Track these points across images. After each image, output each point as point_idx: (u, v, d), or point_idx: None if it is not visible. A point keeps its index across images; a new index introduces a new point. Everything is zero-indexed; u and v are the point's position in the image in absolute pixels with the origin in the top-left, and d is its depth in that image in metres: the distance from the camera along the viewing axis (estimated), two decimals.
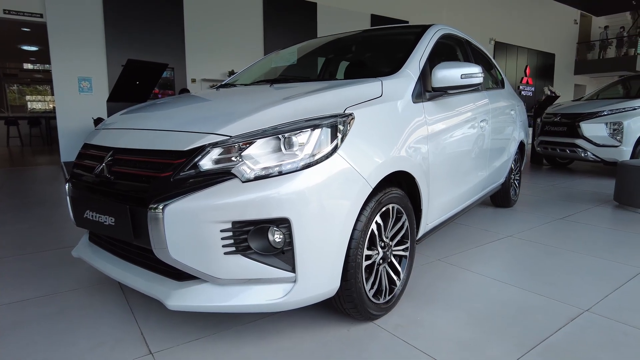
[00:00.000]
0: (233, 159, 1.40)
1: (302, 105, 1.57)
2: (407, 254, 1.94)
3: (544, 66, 16.18)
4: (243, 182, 1.37)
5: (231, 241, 1.38)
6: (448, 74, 2.07)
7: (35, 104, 20.75)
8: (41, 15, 7.17)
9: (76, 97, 7.41)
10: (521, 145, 4.00)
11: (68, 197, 1.87)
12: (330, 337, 1.67)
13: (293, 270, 1.41)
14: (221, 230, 1.36)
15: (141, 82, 2.91)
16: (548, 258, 2.61)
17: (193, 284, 1.46)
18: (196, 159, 1.40)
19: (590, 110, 5.85)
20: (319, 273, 1.46)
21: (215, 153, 1.41)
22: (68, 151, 7.46)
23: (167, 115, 1.72)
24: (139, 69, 2.81)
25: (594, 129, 5.71)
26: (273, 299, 1.41)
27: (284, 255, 1.41)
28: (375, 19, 11.32)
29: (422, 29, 2.47)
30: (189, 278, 1.50)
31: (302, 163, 1.40)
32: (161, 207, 1.37)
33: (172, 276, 1.53)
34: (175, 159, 1.43)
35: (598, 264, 2.51)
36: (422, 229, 2.14)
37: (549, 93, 11.46)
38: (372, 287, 1.72)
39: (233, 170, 1.38)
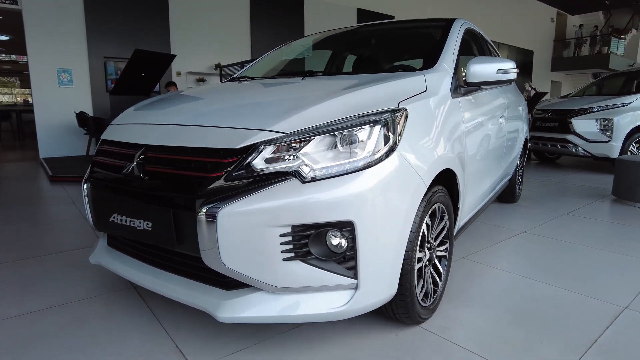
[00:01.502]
0: (288, 157, 1.30)
1: (354, 99, 1.48)
2: (446, 254, 1.89)
3: (524, 63, 16.54)
4: (303, 182, 1.26)
5: (290, 246, 1.28)
6: (483, 68, 2.02)
7: (2, 97, 19.70)
8: (15, 2, 6.74)
9: (55, 89, 7.02)
10: (525, 141, 4.03)
11: (87, 199, 1.72)
12: (381, 343, 1.59)
13: (355, 276, 1.32)
14: (280, 235, 1.26)
15: (147, 74, 2.74)
16: (567, 254, 2.62)
17: (244, 293, 1.35)
18: (249, 158, 1.29)
19: (581, 107, 5.97)
20: (379, 278, 1.37)
21: (268, 151, 1.30)
22: (47, 147, 7.08)
23: (203, 110, 1.58)
24: (146, 60, 2.64)
25: (584, 125, 5.84)
26: (335, 308, 1.32)
27: (344, 261, 1.32)
28: (362, 13, 11.25)
29: (448, 22, 2.41)
30: (237, 286, 1.38)
31: (364, 162, 1.31)
32: (214, 211, 1.25)
33: (218, 284, 1.41)
34: (226, 158, 1.31)
35: (618, 260, 2.52)
36: (457, 228, 2.10)
37: (529, 89, 11.71)
38: (421, 290, 1.66)
39: (292, 171, 1.28)
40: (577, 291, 2.07)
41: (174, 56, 2.68)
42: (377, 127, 1.36)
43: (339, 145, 1.33)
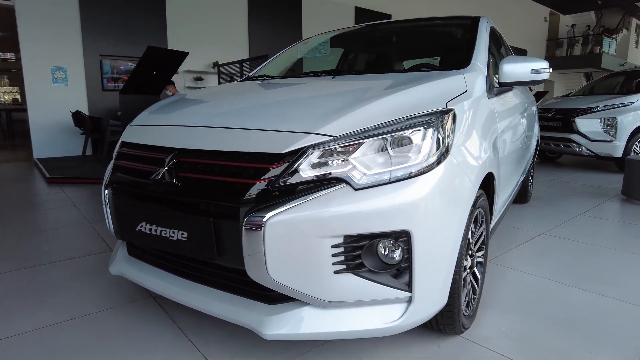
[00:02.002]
0: (337, 163, 1.21)
1: (400, 100, 1.40)
2: (483, 260, 1.82)
3: None
4: (356, 189, 1.18)
5: (342, 258, 1.19)
6: (517, 68, 1.95)
7: None
8: None
9: (50, 88, 6.83)
10: (537, 141, 4.00)
11: (108, 206, 1.61)
12: (423, 356, 1.52)
13: (409, 288, 1.25)
14: (332, 246, 1.18)
15: (159, 72, 2.63)
16: (592, 257, 2.57)
17: (290, 308, 1.27)
18: (297, 163, 1.20)
19: (584, 106, 5.97)
20: (433, 290, 1.30)
21: (315, 156, 1.22)
22: (42, 147, 6.88)
23: (237, 112, 1.48)
24: (158, 58, 2.53)
25: (588, 125, 5.84)
26: (389, 322, 1.24)
27: (397, 273, 1.24)
28: (359, 11, 11.17)
29: (474, 20, 2.34)
30: (280, 300, 1.30)
31: (419, 167, 1.23)
32: (261, 220, 1.16)
33: (259, 298, 1.32)
34: (271, 163, 1.22)
35: None
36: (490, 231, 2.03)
37: None
38: (464, 299, 1.59)
39: (343, 177, 1.19)
40: (613, 296, 2.02)
41: (186, 54, 2.58)
42: (431, 130, 1.28)
43: (389, 149, 1.24)
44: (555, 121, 6.22)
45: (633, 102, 5.67)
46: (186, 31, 8.24)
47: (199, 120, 1.49)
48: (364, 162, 1.21)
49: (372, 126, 1.26)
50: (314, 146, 1.22)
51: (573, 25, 18.41)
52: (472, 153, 1.47)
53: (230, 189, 1.26)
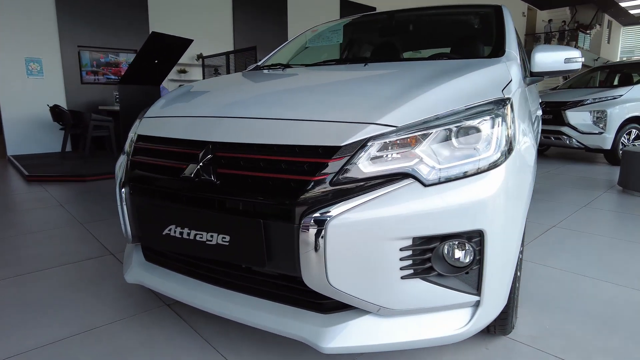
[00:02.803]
0: (400, 156, 1.10)
1: (458, 87, 1.29)
2: (521, 256, 1.75)
3: None
4: (426, 185, 1.07)
5: (410, 262, 1.08)
6: (550, 57, 1.87)
7: None
8: None
9: (24, 81, 6.41)
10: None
11: (125, 207, 1.44)
12: (474, 358, 1.43)
13: (478, 292, 1.14)
14: (400, 249, 1.06)
15: (160, 60, 2.43)
16: (610, 249, 2.56)
17: (349, 318, 1.14)
18: (357, 157, 1.08)
19: (574, 99, 6.04)
20: (499, 292, 1.20)
21: (375, 149, 1.10)
22: (16, 143, 6.47)
23: (279, 101, 1.34)
24: (160, 45, 2.33)
25: (578, 117, 5.91)
26: (457, 329, 1.14)
27: (466, 275, 1.14)
28: (344, 4, 11.04)
29: (497, 8, 2.25)
30: (335, 309, 1.17)
31: (490, 160, 1.13)
32: (322, 222, 1.03)
33: (310, 307, 1.19)
34: (329, 157, 1.09)
35: None
36: None
37: None
38: None
39: (411, 171, 1.07)
40: None
41: (191, 41, 2.39)
42: (499, 119, 1.18)
43: (456, 140, 1.13)
44: (545, 114, 6.28)
45: (621, 95, 5.77)
46: (169, 22, 7.92)
47: (235, 110, 1.33)
48: (431, 155, 1.10)
49: (432, 116, 1.15)
50: (375, 138, 1.09)
51: (550, 20, 18.80)
52: (526, 144, 1.38)
53: (281, 186, 1.12)
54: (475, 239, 1.10)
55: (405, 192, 1.06)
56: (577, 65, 1.94)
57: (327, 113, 1.18)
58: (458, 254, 1.11)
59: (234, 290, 1.30)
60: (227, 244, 1.17)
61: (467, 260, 1.12)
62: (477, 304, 1.16)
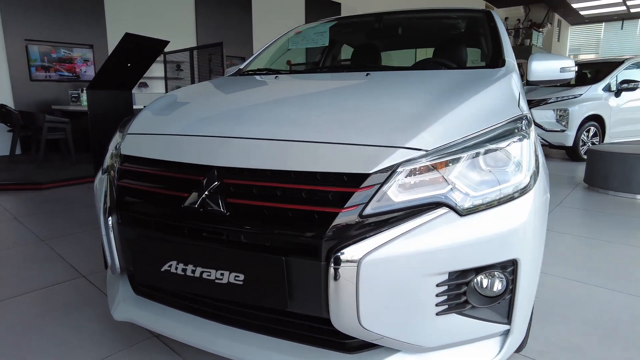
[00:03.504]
0: (431, 182, 1.02)
1: (478, 105, 1.22)
2: None
3: None
4: (462, 215, 0.99)
5: (445, 297, 1.01)
6: (546, 66, 1.86)
7: None
8: None
9: None
10: None
11: (113, 238, 1.28)
12: None
13: (508, 320, 1.09)
14: (437, 285, 0.98)
15: (134, 64, 2.22)
16: (594, 250, 2.62)
17: (378, 357, 1.06)
18: (387, 185, 0.99)
19: (539, 98, 6.27)
20: (526, 317, 1.16)
21: (404, 175, 1.01)
22: None
23: (288, 118, 1.21)
24: (135, 47, 2.12)
25: (543, 115, 6.14)
26: (498, 357, 1.09)
27: (498, 305, 1.08)
28: (309, 1, 10.90)
29: (487, 14, 2.23)
30: (360, 348, 1.08)
31: (523, 184, 1.07)
32: (355, 259, 0.94)
33: (333, 347, 1.10)
34: (356, 186, 0.99)
35: None
36: None
37: None
38: None
39: (445, 200, 1.00)
40: None
41: (167, 42, 2.21)
42: (526, 141, 1.13)
43: (485, 165, 1.07)
44: None
45: (581, 94, 6.05)
46: (127, 15, 7.46)
47: (241, 129, 1.19)
48: (464, 181, 1.03)
49: (460, 138, 1.08)
50: (404, 163, 1.01)
51: (506, 18, 19.52)
52: (541, 160, 1.34)
53: (303, 218, 1.01)
54: (509, 268, 1.05)
55: (441, 222, 0.98)
56: (572, 75, 1.94)
57: (349, 135, 1.08)
58: (492, 284, 1.05)
59: (246, 329, 1.18)
60: (241, 283, 1.05)
61: (500, 289, 1.06)
62: (506, 333, 1.11)
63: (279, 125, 1.18)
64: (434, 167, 1.02)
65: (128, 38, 2.03)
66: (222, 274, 1.07)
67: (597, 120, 6.11)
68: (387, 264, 0.95)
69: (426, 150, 1.03)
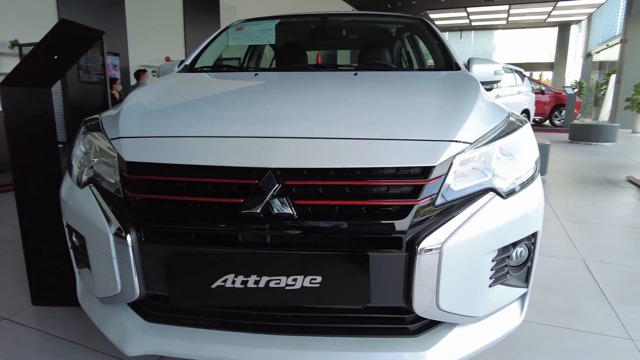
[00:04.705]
0: (477, 171, 1.15)
1: (485, 101, 1.42)
2: None
3: None
4: (505, 198, 1.15)
5: (494, 271, 1.16)
6: (484, 69, 2.10)
7: None
8: None
9: None
10: None
11: (130, 260, 1.10)
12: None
13: (526, 284, 1.30)
14: (492, 260, 1.13)
15: (60, 56, 1.83)
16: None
17: (441, 335, 1.15)
18: (448, 176, 1.09)
19: None
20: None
21: (457, 165, 1.13)
22: None
23: (329, 117, 1.23)
24: (67, 37, 1.75)
25: None
26: (517, 320, 1.28)
27: (520, 272, 1.28)
28: None
29: (423, 21, 2.48)
30: (421, 330, 1.17)
31: (534, 169, 1.28)
32: (436, 247, 1.01)
33: (394, 333, 1.15)
34: (424, 179, 1.06)
35: None
36: None
37: None
38: None
39: (491, 186, 1.14)
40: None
41: (102, 33, 1.87)
42: (529, 130, 1.34)
43: (508, 152, 1.24)
44: None
45: None
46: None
47: (288, 129, 1.16)
48: (500, 169, 1.19)
49: (489, 130, 1.24)
50: (458, 155, 1.12)
51: None
52: None
53: (379, 213, 1.04)
54: (532, 239, 1.25)
55: (492, 206, 1.12)
56: (500, 77, 2.30)
57: (399, 131, 1.15)
58: (520, 254, 1.24)
59: (308, 335, 1.14)
60: (318, 285, 1.03)
61: (524, 258, 1.26)
62: (524, 295, 1.32)
63: (328, 124, 1.19)
64: (476, 157, 1.16)
65: (63, 25, 1.69)
66: (294, 280, 1.03)
67: None
68: (461, 248, 1.05)
69: (470, 143, 1.16)
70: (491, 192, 1.14)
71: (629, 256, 2.50)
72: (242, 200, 1.05)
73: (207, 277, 1.06)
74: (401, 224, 1.03)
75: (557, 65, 23.96)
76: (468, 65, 2.13)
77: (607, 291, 2.03)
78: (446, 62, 2.07)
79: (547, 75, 24.48)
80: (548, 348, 1.57)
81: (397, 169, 1.07)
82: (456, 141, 1.14)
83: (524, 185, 1.22)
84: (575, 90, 12.98)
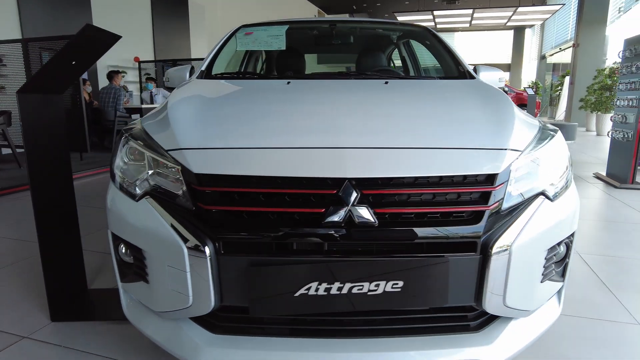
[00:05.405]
0: (528, 176, 1.25)
1: (519, 113, 1.52)
2: None
3: None
4: (553, 201, 1.26)
5: (544, 268, 1.26)
6: (491, 76, 2.26)
7: None
8: None
9: None
10: None
11: (208, 273, 1.11)
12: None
13: (563, 278, 1.41)
14: (545, 258, 1.23)
15: (78, 62, 1.75)
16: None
17: (501, 328, 1.23)
18: (510, 182, 1.18)
19: None
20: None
21: (513, 172, 1.22)
22: None
23: (388, 127, 1.29)
24: (87, 42, 1.67)
25: None
26: (557, 312, 1.39)
27: (560, 267, 1.39)
28: None
29: (427, 30, 2.59)
30: (483, 325, 1.25)
31: (569, 170, 1.39)
32: (507, 248, 1.10)
33: (456, 330, 1.23)
34: (490, 185, 1.15)
35: None
36: None
37: None
38: None
39: (542, 190, 1.25)
40: None
41: (119, 37, 1.80)
42: (560, 135, 1.45)
43: (550, 158, 1.34)
44: None
45: None
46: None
47: (360, 139, 1.21)
48: (545, 174, 1.29)
49: (531, 139, 1.34)
50: (514, 162, 1.22)
51: None
52: None
53: (454, 219, 1.12)
54: (571, 237, 1.36)
55: (544, 208, 1.22)
56: (503, 84, 2.45)
57: (459, 140, 1.23)
58: (562, 251, 1.35)
59: (378, 337, 1.19)
60: (400, 290, 1.08)
61: (563, 255, 1.37)
62: (560, 289, 1.44)
63: (390, 134, 1.25)
64: (526, 163, 1.26)
65: (88, 30, 1.64)
66: (376, 285, 1.08)
67: None
68: (525, 248, 1.14)
69: (521, 151, 1.25)
70: (542, 196, 1.24)
71: (616, 248, 2.72)
72: (323, 210, 1.09)
73: (291, 285, 1.08)
74: (476, 228, 1.11)
75: (514, 66, 25.28)
76: (475, 72, 2.26)
77: (605, 280, 2.22)
78: (458, 70, 2.18)
79: (505, 76, 25.67)
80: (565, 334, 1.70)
81: (465, 176, 1.15)
82: (512, 149, 1.23)
83: (564, 188, 1.33)
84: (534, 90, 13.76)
